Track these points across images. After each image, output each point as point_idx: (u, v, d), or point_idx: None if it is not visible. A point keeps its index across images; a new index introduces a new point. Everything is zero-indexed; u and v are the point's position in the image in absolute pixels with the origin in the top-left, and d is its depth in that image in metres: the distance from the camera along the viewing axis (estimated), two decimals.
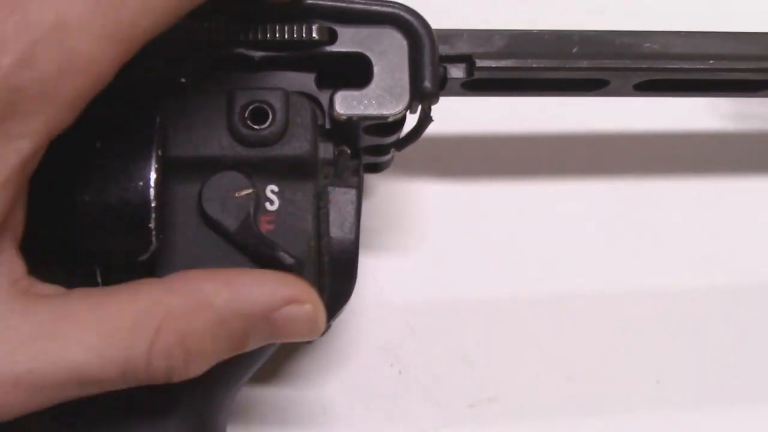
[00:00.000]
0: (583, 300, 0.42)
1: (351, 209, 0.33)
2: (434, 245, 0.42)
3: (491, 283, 0.41)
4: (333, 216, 0.33)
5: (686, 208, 0.43)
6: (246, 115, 0.32)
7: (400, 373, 0.40)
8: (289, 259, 0.31)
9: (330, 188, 0.33)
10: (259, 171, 0.32)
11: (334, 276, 0.33)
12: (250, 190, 0.32)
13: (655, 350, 0.41)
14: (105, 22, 0.25)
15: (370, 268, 0.40)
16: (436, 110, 0.34)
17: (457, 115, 0.39)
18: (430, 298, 0.41)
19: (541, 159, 0.44)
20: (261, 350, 0.33)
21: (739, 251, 0.43)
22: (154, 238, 0.30)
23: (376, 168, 0.39)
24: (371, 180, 0.42)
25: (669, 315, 0.42)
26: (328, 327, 0.35)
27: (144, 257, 0.30)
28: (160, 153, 0.30)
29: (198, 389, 0.31)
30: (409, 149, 0.37)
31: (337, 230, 0.33)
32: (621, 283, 0.42)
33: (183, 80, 0.32)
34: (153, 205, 0.29)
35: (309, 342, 0.35)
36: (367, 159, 0.37)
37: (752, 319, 0.42)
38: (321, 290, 0.33)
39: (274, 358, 0.38)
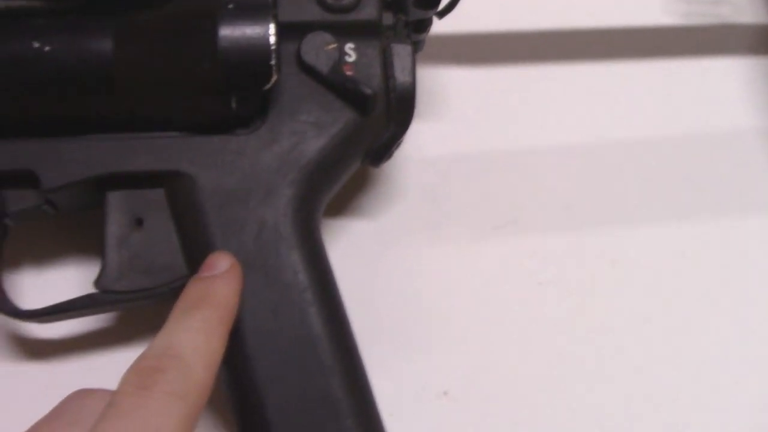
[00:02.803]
0: (566, 150, 0.52)
1: (408, 59, 0.44)
2: (456, 114, 0.52)
3: (502, 138, 0.52)
4: (396, 64, 0.43)
5: (645, 85, 0.54)
6: None
7: (438, 206, 0.50)
8: (368, 90, 0.42)
9: (393, 45, 0.44)
10: (341, 32, 0.43)
11: (398, 108, 0.43)
12: (335, 45, 0.43)
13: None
14: None
15: (410, 131, 0.51)
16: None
17: (467, 16, 0.50)
18: (458, 151, 0.52)
19: (531, 49, 0.55)
20: (345, 165, 0.44)
21: (681, 120, 0.54)
22: (274, 72, 0.41)
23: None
24: None
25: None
26: (391, 153, 0.46)
27: (267, 87, 0.41)
28: (275, 13, 0.41)
29: (303, 181, 0.42)
30: (435, 44, 0.49)
31: (399, 74, 0.43)
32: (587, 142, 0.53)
33: None
34: (273, 48, 0.41)
35: (377, 166, 0.46)
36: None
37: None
38: (389, 119, 0.44)
39: (342, 195, 0.49)
